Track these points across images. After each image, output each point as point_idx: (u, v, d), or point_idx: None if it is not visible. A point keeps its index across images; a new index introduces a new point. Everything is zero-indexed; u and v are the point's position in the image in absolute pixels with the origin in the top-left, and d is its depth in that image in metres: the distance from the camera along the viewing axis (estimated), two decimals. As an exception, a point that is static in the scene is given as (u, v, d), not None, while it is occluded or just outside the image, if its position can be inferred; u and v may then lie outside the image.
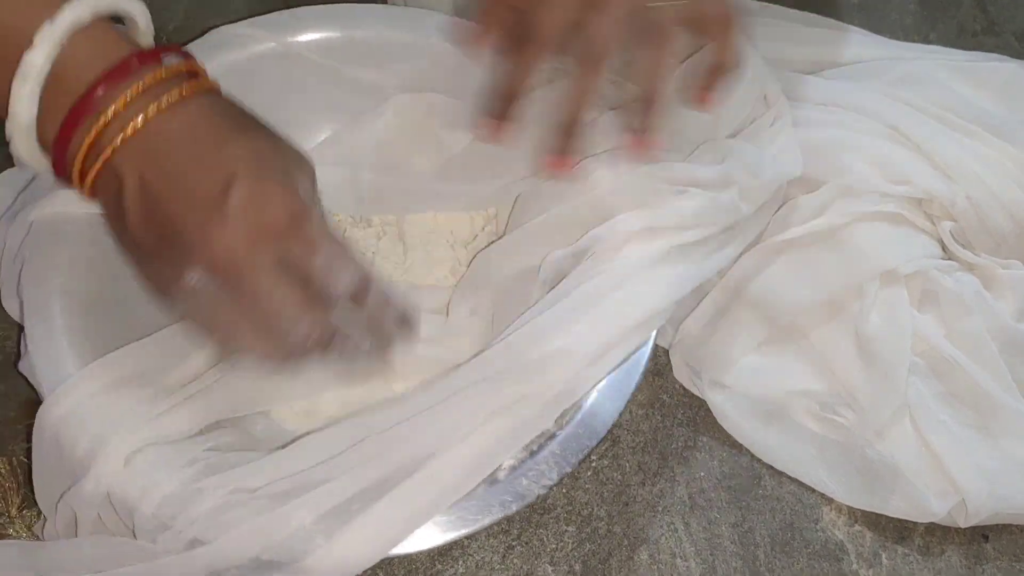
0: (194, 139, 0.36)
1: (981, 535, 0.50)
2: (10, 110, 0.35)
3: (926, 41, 0.69)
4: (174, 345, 0.45)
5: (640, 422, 0.52)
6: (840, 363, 0.52)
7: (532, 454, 0.44)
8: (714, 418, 0.52)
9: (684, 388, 0.54)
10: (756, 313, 0.53)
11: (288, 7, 0.54)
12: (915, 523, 0.50)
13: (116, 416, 0.40)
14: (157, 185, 0.35)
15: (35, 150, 0.36)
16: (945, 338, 0.53)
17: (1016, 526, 0.51)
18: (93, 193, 0.37)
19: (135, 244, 0.37)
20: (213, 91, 0.38)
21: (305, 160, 0.38)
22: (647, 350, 0.46)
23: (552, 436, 0.44)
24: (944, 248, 0.57)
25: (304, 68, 0.53)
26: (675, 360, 0.54)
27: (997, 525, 0.50)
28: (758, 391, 0.52)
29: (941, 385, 0.53)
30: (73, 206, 0.45)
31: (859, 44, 0.64)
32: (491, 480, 0.42)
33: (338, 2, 0.55)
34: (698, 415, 0.53)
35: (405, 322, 0.41)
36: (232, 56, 0.52)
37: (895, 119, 0.57)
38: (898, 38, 0.67)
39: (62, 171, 0.37)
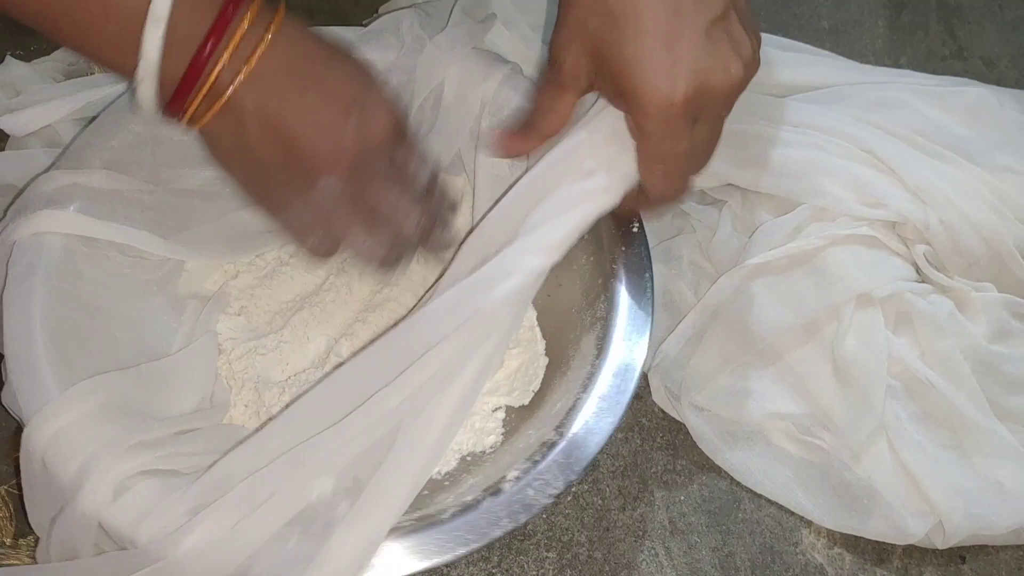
0: (301, 69, 0.41)
1: (959, 556, 0.51)
2: (143, 55, 0.38)
3: (896, 65, 0.71)
4: (157, 379, 0.44)
5: (620, 446, 0.52)
6: (817, 385, 0.52)
7: (535, 463, 0.42)
8: (693, 442, 0.52)
9: (663, 412, 0.54)
10: (733, 336, 0.53)
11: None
12: (894, 545, 0.50)
13: (101, 444, 0.39)
14: (281, 113, 0.41)
15: (153, 92, 0.40)
16: (920, 359, 0.53)
17: (993, 547, 0.51)
18: (205, 128, 0.41)
19: (257, 166, 0.42)
20: (290, 22, 0.42)
21: (378, 74, 0.44)
22: (641, 356, 0.46)
23: (554, 444, 0.43)
24: (918, 271, 0.57)
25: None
26: (653, 383, 0.54)
27: (974, 546, 0.51)
28: (736, 413, 0.52)
29: (916, 406, 0.53)
30: (55, 226, 0.45)
31: (831, 68, 0.65)
32: (496, 492, 0.42)
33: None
34: (677, 439, 0.53)
35: (455, 207, 0.49)
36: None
37: (869, 143, 0.58)
38: (869, 62, 0.68)
39: (175, 111, 0.41)
